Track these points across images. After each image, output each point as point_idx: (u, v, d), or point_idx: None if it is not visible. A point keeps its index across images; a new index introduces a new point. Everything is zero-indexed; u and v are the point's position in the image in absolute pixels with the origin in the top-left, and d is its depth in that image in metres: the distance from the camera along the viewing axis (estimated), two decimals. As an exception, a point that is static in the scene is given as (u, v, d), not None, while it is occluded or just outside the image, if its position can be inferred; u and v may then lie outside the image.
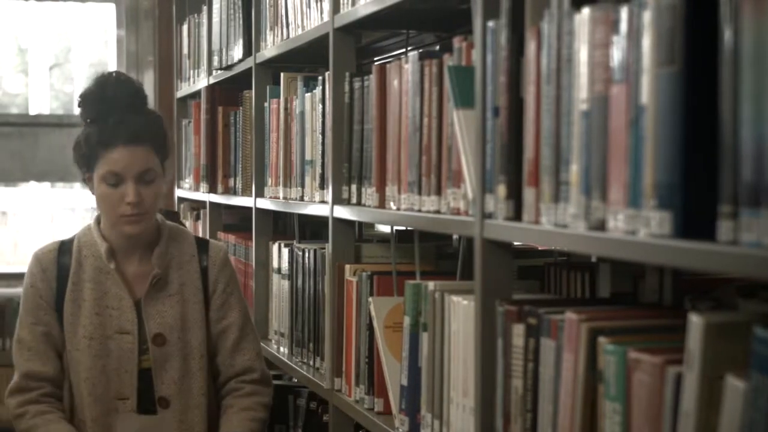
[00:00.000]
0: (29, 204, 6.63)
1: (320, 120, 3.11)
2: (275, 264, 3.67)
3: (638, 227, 1.54)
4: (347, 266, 2.91)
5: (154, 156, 2.82)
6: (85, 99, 2.86)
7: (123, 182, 2.78)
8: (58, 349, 2.87)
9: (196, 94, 4.99)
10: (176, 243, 2.92)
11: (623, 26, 1.58)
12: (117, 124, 2.79)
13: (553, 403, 1.80)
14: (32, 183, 6.55)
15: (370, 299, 2.70)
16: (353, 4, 2.82)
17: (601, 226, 1.65)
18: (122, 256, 2.89)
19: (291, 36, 3.44)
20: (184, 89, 5.34)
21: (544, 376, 1.83)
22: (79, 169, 2.89)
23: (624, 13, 1.58)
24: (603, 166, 1.64)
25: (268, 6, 3.71)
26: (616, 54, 1.60)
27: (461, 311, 2.18)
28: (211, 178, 4.57)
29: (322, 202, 3.09)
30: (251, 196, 3.90)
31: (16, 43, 6.67)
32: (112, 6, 6.48)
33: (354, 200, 2.83)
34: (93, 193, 2.86)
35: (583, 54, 1.69)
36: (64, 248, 2.92)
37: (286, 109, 3.49)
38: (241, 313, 2.93)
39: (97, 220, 2.93)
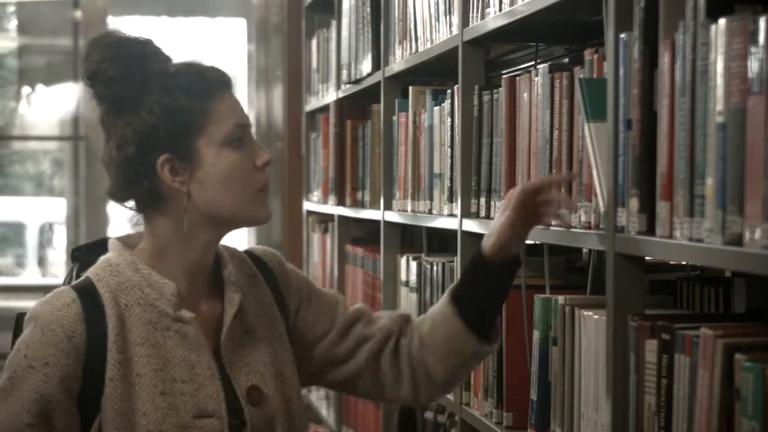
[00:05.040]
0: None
1: (449, 133, 3.11)
2: (403, 277, 3.68)
3: (777, 242, 1.51)
4: (476, 280, 2.89)
5: None
6: (129, 69, 2.08)
7: (246, 139, 2.00)
8: None
9: (324, 108, 5.03)
10: (233, 259, 2.08)
11: (762, 36, 1.55)
12: (204, 69, 2.03)
13: (688, 420, 1.77)
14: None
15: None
16: (482, 17, 2.82)
17: (737, 240, 1.62)
18: (188, 297, 1.99)
19: (420, 50, 3.44)
20: (312, 103, 5.38)
21: (678, 393, 1.80)
22: (146, 165, 1.94)
23: (762, 23, 1.55)
24: (740, 179, 1.61)
25: (396, 20, 3.73)
26: (754, 65, 1.57)
27: (592, 326, 2.16)
28: (339, 191, 4.59)
29: (451, 215, 3.08)
30: (379, 209, 3.92)
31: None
32: (243, 21, 6.58)
33: (483, 213, 2.82)
34: (181, 186, 1.95)
35: (719, 65, 1.66)
36: (87, 298, 1.91)
37: (414, 122, 3.50)
38: (333, 290, 2.14)
39: (123, 246, 1.98)
